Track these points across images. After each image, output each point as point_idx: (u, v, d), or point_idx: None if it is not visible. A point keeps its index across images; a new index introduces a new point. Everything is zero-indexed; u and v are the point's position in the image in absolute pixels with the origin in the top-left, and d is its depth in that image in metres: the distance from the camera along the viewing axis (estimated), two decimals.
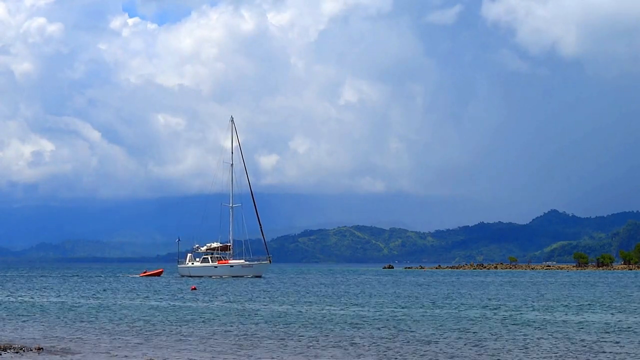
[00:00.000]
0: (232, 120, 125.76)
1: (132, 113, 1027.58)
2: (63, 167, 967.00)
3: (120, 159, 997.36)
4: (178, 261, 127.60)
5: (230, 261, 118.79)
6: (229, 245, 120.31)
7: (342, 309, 53.22)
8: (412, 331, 38.89)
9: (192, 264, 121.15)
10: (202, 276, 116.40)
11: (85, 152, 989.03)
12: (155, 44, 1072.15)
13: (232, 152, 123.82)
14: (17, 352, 31.29)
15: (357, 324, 42.72)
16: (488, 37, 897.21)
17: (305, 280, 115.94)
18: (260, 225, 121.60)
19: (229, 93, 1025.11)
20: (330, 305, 56.84)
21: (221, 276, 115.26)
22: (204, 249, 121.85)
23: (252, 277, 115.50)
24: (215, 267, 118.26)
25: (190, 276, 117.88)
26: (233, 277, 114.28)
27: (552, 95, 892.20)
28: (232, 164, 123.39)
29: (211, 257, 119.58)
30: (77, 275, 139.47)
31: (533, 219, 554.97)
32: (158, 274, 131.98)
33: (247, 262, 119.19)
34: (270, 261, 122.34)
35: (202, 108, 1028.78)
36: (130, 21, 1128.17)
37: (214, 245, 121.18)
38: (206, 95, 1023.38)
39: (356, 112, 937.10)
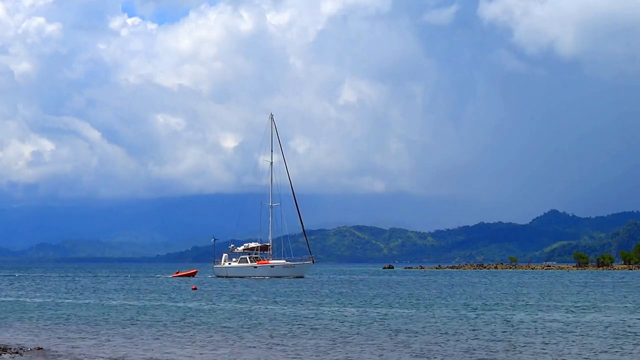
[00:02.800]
0: (272, 118, 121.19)
1: (131, 113, 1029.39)
2: (63, 167, 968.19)
3: (120, 159, 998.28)
4: (214, 261, 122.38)
5: (270, 261, 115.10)
6: (269, 245, 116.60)
7: (464, 312, 49.77)
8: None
9: (229, 264, 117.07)
10: (240, 277, 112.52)
11: (85, 152, 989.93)
12: (154, 43, 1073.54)
13: (272, 150, 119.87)
14: (16, 352, 31.17)
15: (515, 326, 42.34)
16: (486, 37, 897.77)
17: (356, 280, 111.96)
18: (302, 224, 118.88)
19: (229, 93, 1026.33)
20: (450, 308, 53.62)
21: (261, 277, 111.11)
22: (240, 248, 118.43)
23: (293, 277, 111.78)
24: (255, 267, 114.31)
25: (228, 277, 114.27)
26: (274, 277, 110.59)
27: (551, 95, 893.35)
28: (271, 162, 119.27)
29: (249, 257, 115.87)
30: (110, 276, 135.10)
31: (533, 219, 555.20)
32: (192, 275, 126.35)
33: (288, 263, 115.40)
34: (313, 261, 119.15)
35: (201, 108, 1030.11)
36: (130, 21, 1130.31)
37: (252, 245, 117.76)
38: (206, 95, 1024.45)
39: (356, 112, 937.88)
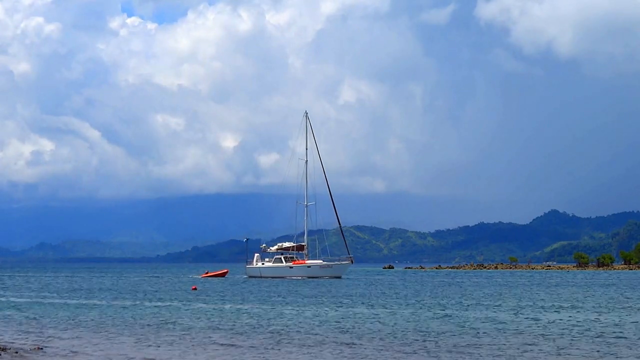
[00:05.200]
0: (307, 115, 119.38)
1: (131, 113, 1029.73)
2: (63, 167, 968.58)
3: (120, 159, 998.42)
4: (246, 261, 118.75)
5: (306, 261, 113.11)
6: (304, 245, 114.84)
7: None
8: None
9: (263, 264, 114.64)
10: (275, 277, 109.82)
11: (85, 152, 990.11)
12: (153, 44, 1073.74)
13: (307, 149, 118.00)
14: (16, 352, 31.05)
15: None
16: (484, 37, 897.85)
17: (393, 281, 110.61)
18: (339, 224, 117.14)
19: (228, 93, 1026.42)
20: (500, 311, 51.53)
21: (297, 277, 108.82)
22: (274, 248, 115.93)
23: (330, 278, 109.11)
24: (291, 267, 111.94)
25: (262, 277, 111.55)
26: (310, 278, 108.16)
27: (550, 95, 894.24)
28: (306, 161, 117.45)
29: (284, 258, 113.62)
30: (137, 277, 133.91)
31: (533, 219, 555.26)
32: (222, 275, 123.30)
33: (325, 263, 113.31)
34: (352, 261, 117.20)
35: (201, 108, 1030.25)
36: (129, 21, 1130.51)
37: (287, 245, 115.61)
38: (205, 95, 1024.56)
39: (355, 112, 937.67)
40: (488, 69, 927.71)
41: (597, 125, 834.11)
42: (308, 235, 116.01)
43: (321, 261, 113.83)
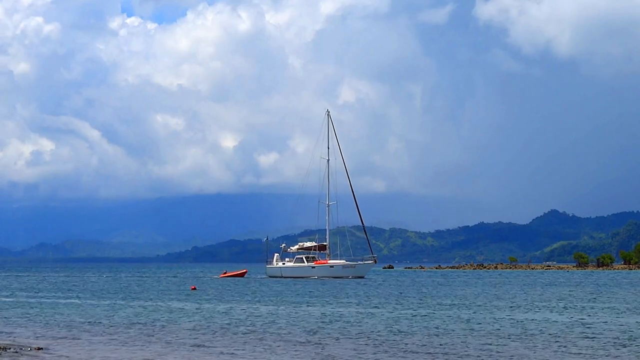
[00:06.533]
0: (329, 114, 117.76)
1: (131, 113, 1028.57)
2: (63, 167, 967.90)
3: (120, 159, 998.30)
4: (266, 261, 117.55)
5: (329, 261, 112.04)
6: (326, 245, 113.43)
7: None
8: None
9: (284, 264, 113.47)
10: (296, 277, 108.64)
11: (85, 152, 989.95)
12: (153, 44, 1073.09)
13: (329, 148, 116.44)
14: (16, 352, 31.16)
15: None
16: (483, 37, 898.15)
17: (424, 281, 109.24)
18: (362, 223, 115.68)
19: (228, 93, 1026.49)
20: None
21: (320, 277, 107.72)
22: (294, 248, 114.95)
23: (353, 278, 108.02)
24: (313, 267, 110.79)
25: (282, 277, 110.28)
26: (333, 278, 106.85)
27: (549, 95, 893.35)
28: (328, 160, 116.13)
29: (306, 257, 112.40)
30: (147, 277, 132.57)
31: (533, 219, 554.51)
32: (241, 275, 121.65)
33: (348, 263, 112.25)
34: (375, 261, 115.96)
35: (200, 108, 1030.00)
36: (129, 21, 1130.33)
37: (308, 244, 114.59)
38: (205, 95, 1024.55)
39: (355, 112, 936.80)
40: (487, 69, 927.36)
41: (597, 125, 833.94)
42: (329, 235, 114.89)
43: (344, 261, 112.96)
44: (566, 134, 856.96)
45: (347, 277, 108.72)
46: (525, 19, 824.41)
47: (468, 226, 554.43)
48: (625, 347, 33.03)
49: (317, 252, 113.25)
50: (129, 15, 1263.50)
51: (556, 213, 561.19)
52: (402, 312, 50.91)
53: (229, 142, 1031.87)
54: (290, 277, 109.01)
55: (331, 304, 58.48)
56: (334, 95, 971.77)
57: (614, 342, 34.31)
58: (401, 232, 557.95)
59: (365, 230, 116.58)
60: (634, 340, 34.99)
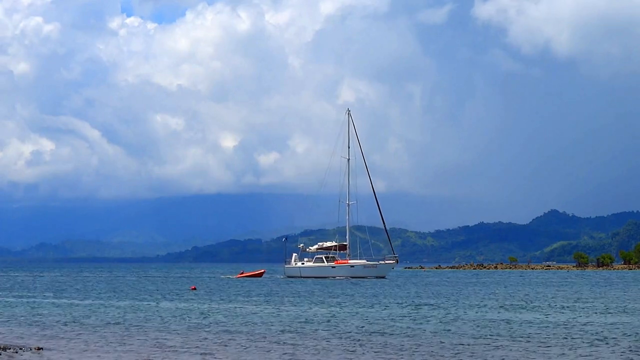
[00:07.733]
0: (349, 113, 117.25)
1: (130, 113, 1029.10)
2: (63, 167, 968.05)
3: (120, 159, 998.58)
4: (285, 261, 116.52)
5: (350, 261, 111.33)
6: (346, 245, 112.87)
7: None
8: None
9: (303, 264, 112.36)
10: (316, 277, 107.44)
11: (85, 152, 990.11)
12: (153, 43, 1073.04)
13: (349, 147, 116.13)
14: (16, 352, 31.09)
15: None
16: (482, 37, 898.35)
17: (452, 281, 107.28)
18: (384, 223, 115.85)
19: (227, 93, 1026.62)
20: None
21: (340, 277, 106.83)
22: (313, 248, 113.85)
23: (374, 278, 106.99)
24: (333, 267, 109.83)
25: (302, 277, 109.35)
26: (353, 278, 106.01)
27: (549, 95, 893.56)
28: (348, 159, 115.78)
29: (326, 257, 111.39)
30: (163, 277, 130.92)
31: (533, 219, 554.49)
32: (259, 275, 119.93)
33: (369, 262, 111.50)
34: (397, 261, 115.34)
35: (200, 108, 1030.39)
36: (128, 21, 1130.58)
37: (328, 244, 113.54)
38: (204, 95, 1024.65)
39: (354, 112, 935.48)
40: (486, 69, 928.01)
41: (597, 125, 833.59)
42: (346, 235, 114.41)
43: (365, 261, 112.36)
44: (566, 134, 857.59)
45: (368, 277, 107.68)
46: (523, 19, 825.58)
47: (468, 226, 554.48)
48: None
49: (337, 252, 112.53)
50: (129, 15, 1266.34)
51: (556, 213, 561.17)
52: (487, 313, 50.86)
53: (229, 142, 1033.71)
54: (310, 277, 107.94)
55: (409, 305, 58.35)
56: (334, 95, 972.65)
57: None
58: (401, 232, 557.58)
59: (386, 230, 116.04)
60: None
